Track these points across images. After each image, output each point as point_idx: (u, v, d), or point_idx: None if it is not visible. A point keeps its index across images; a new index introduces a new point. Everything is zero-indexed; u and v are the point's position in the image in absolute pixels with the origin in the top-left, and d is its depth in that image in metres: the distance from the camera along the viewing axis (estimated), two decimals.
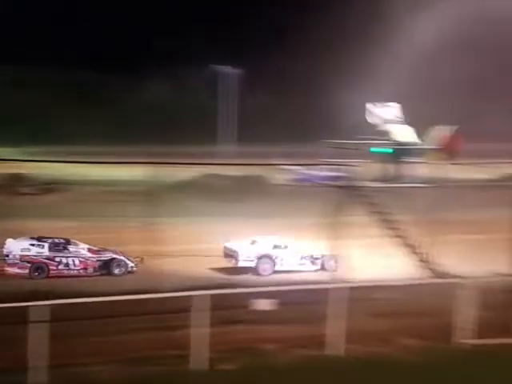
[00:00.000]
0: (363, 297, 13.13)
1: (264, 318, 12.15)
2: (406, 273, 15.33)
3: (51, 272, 16.32)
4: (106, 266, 16.65)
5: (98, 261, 16.66)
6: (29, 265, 16.18)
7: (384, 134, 16.05)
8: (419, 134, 16.25)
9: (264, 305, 12.23)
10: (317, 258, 17.18)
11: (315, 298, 12.18)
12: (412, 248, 15.23)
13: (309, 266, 17.25)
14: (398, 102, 17.00)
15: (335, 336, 10.85)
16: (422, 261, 15.25)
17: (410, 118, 16.84)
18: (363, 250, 15.34)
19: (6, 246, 16.24)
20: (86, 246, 16.78)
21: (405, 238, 15.19)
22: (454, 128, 15.60)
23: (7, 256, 16.14)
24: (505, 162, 19.74)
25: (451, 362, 10.49)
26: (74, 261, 16.44)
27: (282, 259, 17.22)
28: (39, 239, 16.71)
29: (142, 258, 16.54)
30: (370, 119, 16.50)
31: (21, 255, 16.18)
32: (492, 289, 13.82)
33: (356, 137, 16.51)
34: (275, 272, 17.03)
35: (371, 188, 15.24)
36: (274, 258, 17.16)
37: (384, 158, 16.11)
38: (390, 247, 15.25)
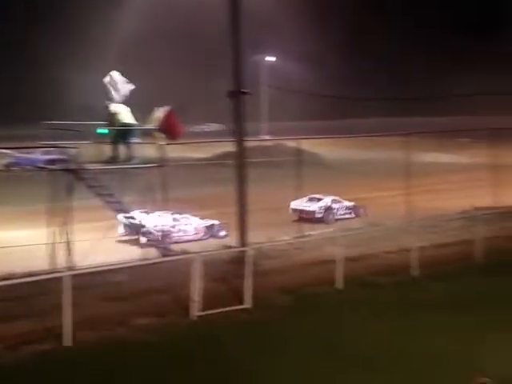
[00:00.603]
0: (96, 282, 12.84)
1: None
2: (137, 253, 15.42)
3: (173, 238, 18.24)
4: (210, 231, 19.48)
5: (204, 227, 19.50)
6: (159, 233, 17.67)
7: (109, 115, 15.75)
8: (139, 115, 16.35)
9: None
10: None
11: (44, 288, 11.53)
12: (140, 228, 15.34)
13: None
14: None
15: (67, 326, 10.34)
16: (150, 240, 15.45)
17: (130, 99, 16.81)
18: (92, 234, 14.93)
19: (140, 219, 17.54)
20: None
21: (133, 219, 15.22)
22: (169, 108, 16.04)
23: (143, 227, 17.44)
24: (219, 141, 21.12)
25: (185, 335, 10.82)
26: (189, 228, 19.12)
27: None
28: (165, 212, 18.40)
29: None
30: (110, 96, 15.98)
31: (153, 226, 17.82)
32: (220, 261, 14.82)
33: (79, 118, 15.91)
34: None
35: (94, 170, 14.85)
36: None
37: (107, 139, 15.83)
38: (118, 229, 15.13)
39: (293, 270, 14.69)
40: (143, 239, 17.19)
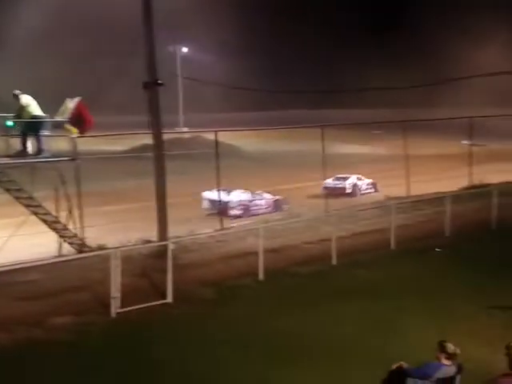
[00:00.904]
0: (8, 281, 12.24)
1: None
2: (52, 251, 14.82)
3: (251, 211, 22.22)
4: (277, 204, 23.06)
5: (273, 201, 23.22)
6: (242, 207, 22.10)
7: (19, 107, 15.03)
8: (49, 106, 15.73)
9: None
10: None
11: None
12: (55, 224, 14.76)
13: None
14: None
15: None
16: (67, 236, 14.92)
17: (42, 90, 16.15)
18: (4, 230, 14.23)
19: (227, 197, 21.40)
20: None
21: (46, 215, 14.60)
22: (79, 99, 15.54)
23: (228, 202, 21.50)
24: (136, 134, 20.71)
25: (103, 333, 10.52)
26: (262, 202, 22.95)
27: None
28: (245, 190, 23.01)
29: None
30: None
31: (238, 201, 22.15)
32: (139, 256, 14.52)
33: None
34: None
35: (3, 164, 14.13)
36: None
37: (15, 132, 15.11)
38: (34, 226, 14.47)
39: (214, 263, 14.63)
40: (232, 212, 20.93)
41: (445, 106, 57.84)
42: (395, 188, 21.98)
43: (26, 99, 15.07)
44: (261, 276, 13.33)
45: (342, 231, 16.06)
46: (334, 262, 14.39)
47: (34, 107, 15.06)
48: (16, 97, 15.03)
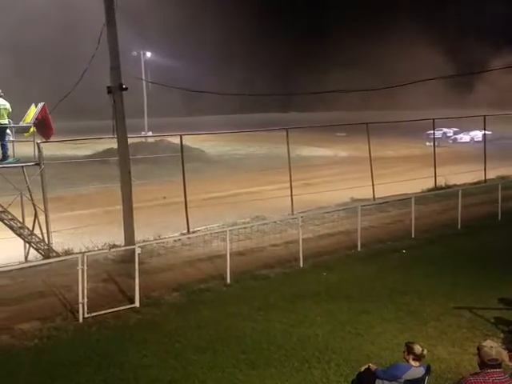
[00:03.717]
0: None
1: None
2: (17, 255, 14.65)
3: None
4: None
5: None
6: None
7: None
8: (14, 111, 15.59)
9: None
10: None
11: None
12: (21, 230, 14.61)
13: None
14: None
15: None
16: (33, 242, 14.77)
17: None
18: None
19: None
20: None
21: (12, 221, 14.45)
22: (43, 104, 15.44)
23: None
24: (100, 138, 20.62)
25: (70, 338, 10.44)
26: None
27: None
28: None
29: None
30: None
31: None
32: (106, 260, 14.46)
33: None
34: None
35: None
36: None
37: None
38: None
39: (181, 267, 14.64)
40: None
41: (402, 109, 59.23)
42: (360, 190, 22.32)
43: (1, 102, 14.98)
44: (228, 279, 13.42)
45: (308, 233, 16.27)
46: (301, 264, 14.56)
47: (1, 112, 14.93)
48: None
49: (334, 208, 20.04)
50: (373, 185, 22.49)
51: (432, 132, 27.18)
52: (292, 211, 19.71)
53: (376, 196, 22.17)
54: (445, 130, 57.45)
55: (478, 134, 49.40)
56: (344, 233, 17.32)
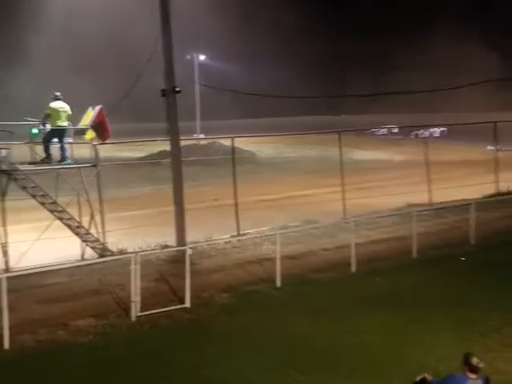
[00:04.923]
0: (32, 284, 12.48)
1: None
2: (75, 254, 15.03)
3: None
4: None
5: None
6: None
7: (45, 116, 15.40)
8: (72, 114, 16.04)
9: None
10: None
11: None
12: (78, 229, 14.98)
13: None
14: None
15: (5, 329, 10.03)
16: (89, 241, 15.11)
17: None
18: (29, 234, 14.46)
19: None
20: None
21: (70, 220, 14.83)
22: (100, 107, 15.81)
23: None
24: (154, 140, 20.98)
25: (123, 336, 10.66)
26: None
27: None
28: None
29: None
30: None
31: None
32: (158, 261, 14.64)
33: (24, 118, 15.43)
34: None
35: (28, 171, 14.43)
36: None
37: (39, 139, 15.47)
38: (57, 230, 14.71)
39: (231, 269, 14.68)
40: None
41: (457, 111, 57.78)
42: (415, 195, 21.81)
43: (60, 104, 15.40)
44: (278, 282, 13.36)
45: (360, 238, 16.02)
46: (353, 269, 14.34)
47: (60, 115, 15.36)
48: (54, 99, 15.35)
49: (387, 213, 19.67)
50: (429, 190, 21.94)
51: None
52: (344, 215, 19.47)
53: (432, 201, 21.61)
54: None
55: None
56: (398, 238, 16.93)
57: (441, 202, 21.12)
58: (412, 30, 77.77)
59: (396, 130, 55.66)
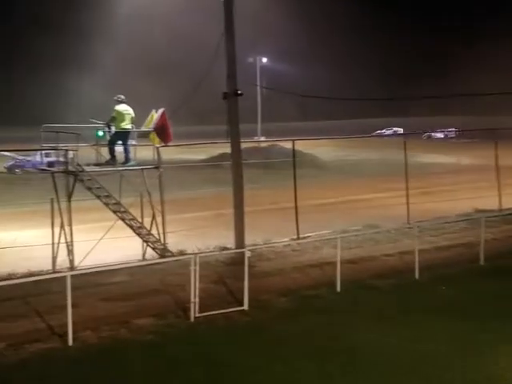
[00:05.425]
0: (96, 282, 12.77)
1: None
2: (136, 254, 15.29)
3: None
4: None
5: None
6: None
7: (110, 119, 15.75)
8: (135, 117, 16.31)
9: None
10: None
11: (42, 288, 11.54)
12: (139, 229, 15.21)
13: None
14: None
15: (69, 325, 10.22)
16: (150, 241, 15.32)
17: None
18: (93, 234, 14.82)
19: None
20: None
21: (132, 220, 15.08)
22: (163, 110, 15.98)
23: None
24: (215, 143, 21.11)
25: (183, 336, 10.69)
26: None
27: None
28: None
29: None
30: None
31: None
32: (217, 262, 14.68)
33: (90, 120, 15.86)
34: None
35: (93, 172, 14.77)
36: None
37: (105, 141, 15.81)
38: (119, 230, 15.00)
39: (290, 272, 14.53)
40: None
41: None
42: (484, 200, 20.99)
43: (124, 107, 15.73)
44: (338, 287, 13.10)
45: (425, 244, 15.52)
46: (417, 276, 13.91)
47: (124, 118, 15.66)
48: (117, 102, 15.67)
49: (454, 218, 18.99)
50: (499, 195, 21.06)
51: None
52: (408, 220, 18.95)
53: (503, 207, 20.73)
54: None
55: None
56: (465, 245, 16.33)
57: (511, 208, 20.26)
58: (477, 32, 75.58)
59: (453, 135, 54.37)
